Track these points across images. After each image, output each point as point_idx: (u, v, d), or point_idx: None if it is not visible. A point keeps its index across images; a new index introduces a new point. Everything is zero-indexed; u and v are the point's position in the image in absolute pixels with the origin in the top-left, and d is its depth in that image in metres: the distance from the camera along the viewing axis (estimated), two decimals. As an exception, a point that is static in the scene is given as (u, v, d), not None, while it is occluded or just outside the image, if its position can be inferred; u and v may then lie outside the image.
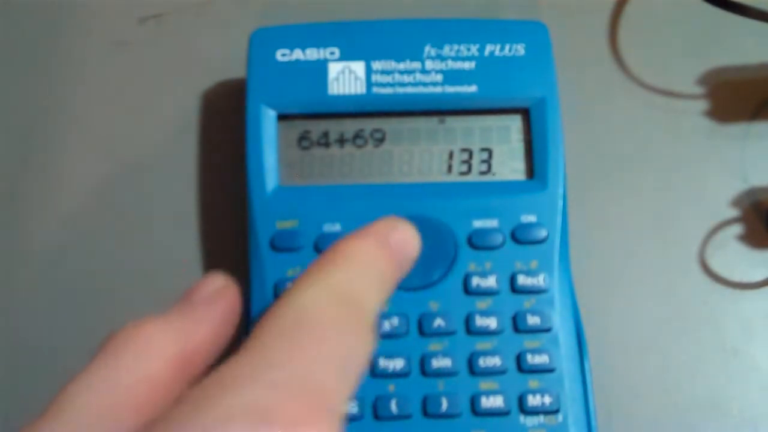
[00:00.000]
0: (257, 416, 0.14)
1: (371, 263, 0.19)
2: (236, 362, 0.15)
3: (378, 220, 0.20)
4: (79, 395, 0.15)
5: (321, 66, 0.29)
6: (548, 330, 0.27)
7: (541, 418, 0.26)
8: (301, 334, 0.16)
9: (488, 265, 0.27)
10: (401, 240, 0.20)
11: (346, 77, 0.29)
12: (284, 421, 0.14)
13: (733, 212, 0.31)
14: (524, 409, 0.26)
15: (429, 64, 0.29)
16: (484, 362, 0.26)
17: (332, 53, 0.29)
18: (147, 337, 0.16)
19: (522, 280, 0.27)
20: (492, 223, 0.28)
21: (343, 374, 0.16)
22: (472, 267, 0.27)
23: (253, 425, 0.14)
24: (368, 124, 0.29)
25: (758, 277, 0.31)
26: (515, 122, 0.29)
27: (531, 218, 0.28)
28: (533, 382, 0.26)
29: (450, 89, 0.29)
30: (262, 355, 0.15)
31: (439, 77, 0.29)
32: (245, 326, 0.28)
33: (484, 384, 0.26)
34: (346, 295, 0.18)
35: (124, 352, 0.16)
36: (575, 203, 0.29)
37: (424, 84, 0.29)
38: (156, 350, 0.16)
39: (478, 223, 0.28)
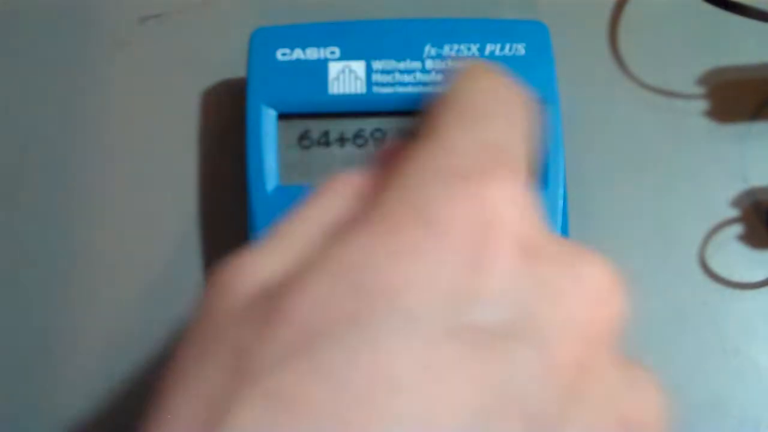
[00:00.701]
0: (452, 174, 0.15)
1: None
2: (420, 148, 0.17)
3: None
4: (293, 226, 0.17)
5: (321, 65, 0.29)
6: (548, 330, 0.27)
7: (541, 418, 0.26)
8: (474, 111, 0.18)
9: (488, 265, 0.27)
10: None
11: (346, 77, 0.29)
12: (478, 177, 0.15)
13: (733, 212, 0.31)
14: (524, 409, 0.26)
15: (429, 64, 0.29)
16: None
17: (332, 53, 0.29)
18: (351, 182, 0.18)
19: (522, 279, 0.27)
20: (492, 222, 0.28)
21: (521, 138, 0.18)
22: (472, 267, 0.27)
23: (452, 181, 0.15)
24: (369, 124, 0.29)
25: (758, 277, 0.31)
26: (515, 122, 0.29)
27: (531, 218, 0.28)
28: (533, 381, 0.26)
29: (450, 89, 0.29)
30: (445, 134, 0.17)
31: (439, 77, 0.29)
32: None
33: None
34: (504, 80, 0.19)
35: (331, 193, 0.18)
36: (575, 203, 0.29)
37: (425, 84, 0.29)
38: (363, 189, 0.18)
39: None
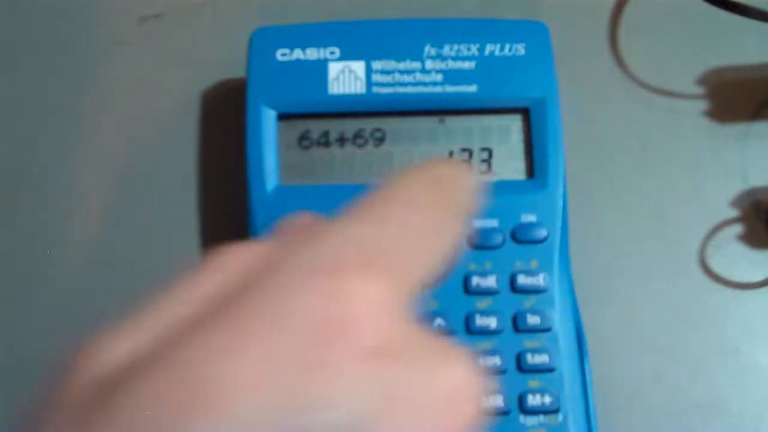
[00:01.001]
0: (310, 269, 0.15)
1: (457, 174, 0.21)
2: (298, 240, 0.17)
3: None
4: (161, 304, 0.17)
5: (321, 66, 0.29)
6: (548, 330, 0.27)
7: (541, 418, 0.26)
8: (384, 207, 0.18)
9: (488, 265, 0.27)
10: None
11: (346, 77, 0.29)
12: (333, 270, 0.15)
13: (733, 212, 0.31)
14: (524, 409, 0.26)
15: (429, 64, 0.29)
16: (484, 362, 0.26)
17: (332, 53, 0.29)
18: (233, 258, 0.18)
19: (522, 279, 0.27)
20: (492, 222, 0.28)
21: (419, 248, 0.17)
22: (472, 267, 0.27)
23: (307, 276, 0.15)
24: (368, 124, 0.29)
25: (758, 277, 0.31)
26: (515, 122, 0.29)
27: (531, 218, 0.28)
28: (533, 381, 0.26)
29: (450, 89, 0.29)
30: (341, 222, 0.17)
31: (439, 77, 0.29)
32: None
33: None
34: (439, 183, 0.19)
35: (210, 270, 0.17)
36: (575, 203, 0.29)
37: (424, 84, 0.29)
38: (239, 269, 0.17)
39: (477, 223, 0.28)
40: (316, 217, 0.20)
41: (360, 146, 0.29)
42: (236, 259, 0.17)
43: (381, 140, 0.29)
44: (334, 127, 0.29)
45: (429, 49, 0.29)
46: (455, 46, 0.29)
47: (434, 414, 0.15)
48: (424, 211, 0.18)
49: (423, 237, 0.18)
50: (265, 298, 0.15)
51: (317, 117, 0.29)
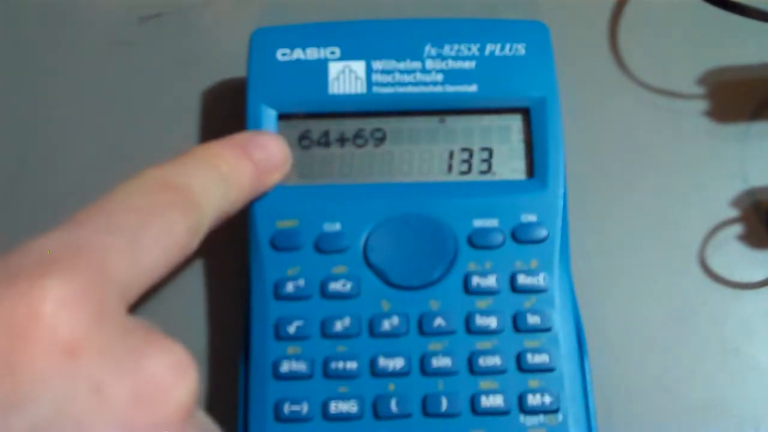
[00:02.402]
0: (4, 277, 0.16)
1: (217, 163, 0.22)
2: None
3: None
4: None
5: (321, 65, 0.29)
6: (548, 329, 0.27)
7: (541, 418, 0.26)
8: (101, 211, 0.18)
9: (488, 265, 0.27)
10: (259, 144, 0.24)
11: (346, 77, 0.29)
12: (26, 278, 0.16)
13: (733, 212, 0.31)
14: (524, 409, 0.26)
15: (429, 64, 0.29)
16: (484, 362, 0.26)
17: (333, 53, 0.29)
18: None
19: (522, 279, 0.27)
20: (492, 222, 0.28)
21: (132, 247, 0.18)
22: (472, 266, 0.27)
23: (2, 284, 0.16)
24: (368, 124, 0.29)
25: (758, 277, 0.31)
26: (515, 122, 0.29)
27: (531, 218, 0.28)
28: (533, 381, 0.26)
29: (450, 89, 0.29)
30: (48, 231, 0.18)
31: (439, 77, 0.29)
32: (245, 327, 0.28)
33: (484, 383, 0.26)
34: (169, 184, 0.20)
35: None
36: (575, 203, 0.29)
37: (425, 83, 0.29)
38: None
39: (478, 223, 0.28)
40: None
41: (360, 146, 0.29)
42: None
43: (381, 140, 0.29)
44: (335, 126, 0.29)
45: (429, 49, 0.29)
46: (455, 46, 0.29)
47: (131, 404, 0.16)
48: (132, 210, 0.19)
49: (136, 235, 0.18)
50: None
51: (317, 117, 0.29)
